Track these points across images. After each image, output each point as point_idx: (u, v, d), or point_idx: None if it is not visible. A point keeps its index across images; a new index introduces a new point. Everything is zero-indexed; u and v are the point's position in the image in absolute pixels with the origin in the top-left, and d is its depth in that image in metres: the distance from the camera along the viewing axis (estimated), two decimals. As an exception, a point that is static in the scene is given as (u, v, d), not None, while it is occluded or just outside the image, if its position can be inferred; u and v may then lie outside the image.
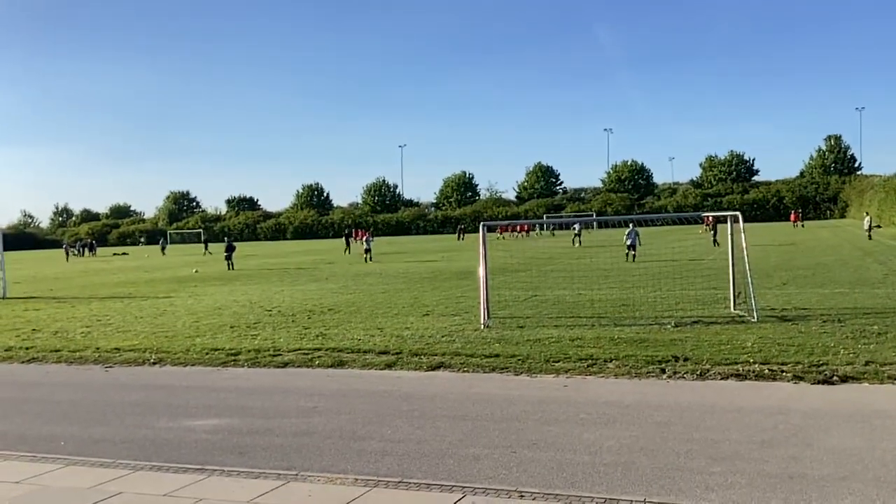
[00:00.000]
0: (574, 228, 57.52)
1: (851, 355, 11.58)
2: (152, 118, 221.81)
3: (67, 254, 77.07)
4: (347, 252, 55.26)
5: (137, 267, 51.71)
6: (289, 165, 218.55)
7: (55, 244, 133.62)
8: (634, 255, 34.02)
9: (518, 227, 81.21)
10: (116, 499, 7.04)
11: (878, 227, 55.53)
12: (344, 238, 60.36)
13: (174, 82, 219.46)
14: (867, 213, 53.54)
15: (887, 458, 7.22)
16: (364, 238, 47.85)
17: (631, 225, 36.49)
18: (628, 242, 34.69)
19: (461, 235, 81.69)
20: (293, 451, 8.37)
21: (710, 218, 43.40)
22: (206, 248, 73.06)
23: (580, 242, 51.85)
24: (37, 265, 62.39)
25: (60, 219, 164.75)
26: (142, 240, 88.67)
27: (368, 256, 44.88)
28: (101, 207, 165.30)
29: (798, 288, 20.92)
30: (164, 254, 75.54)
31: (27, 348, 16.12)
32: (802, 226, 75.43)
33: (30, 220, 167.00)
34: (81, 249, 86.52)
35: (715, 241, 41.03)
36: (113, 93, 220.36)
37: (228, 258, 42.94)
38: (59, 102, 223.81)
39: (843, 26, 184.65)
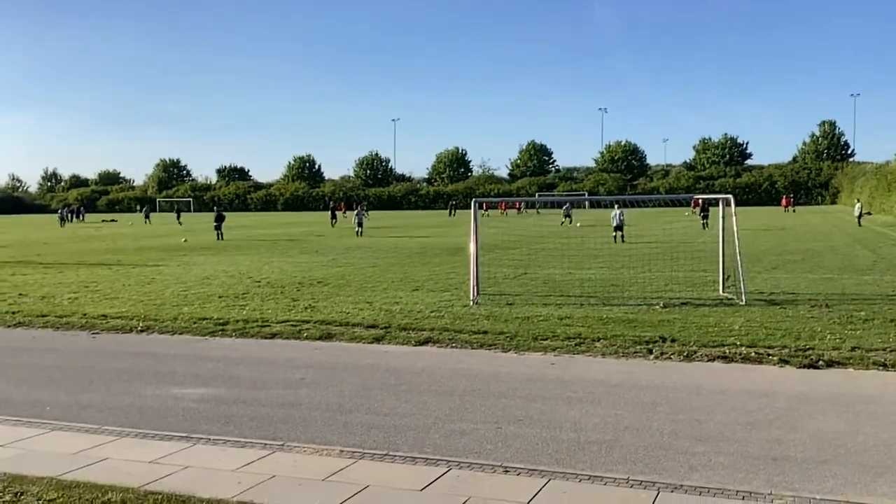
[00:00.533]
0: (564, 209, 57.49)
1: (838, 340, 11.65)
2: (144, 85, 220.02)
3: (63, 220, 75.97)
4: (334, 224, 55.18)
5: (126, 234, 51.46)
6: (281, 137, 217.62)
7: (43, 209, 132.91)
8: (623, 237, 34.04)
9: (516, 204, 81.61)
10: (102, 464, 7.04)
11: (869, 213, 55.77)
12: (330, 210, 60.24)
13: (166, 48, 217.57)
14: (858, 200, 53.74)
15: (869, 443, 7.28)
16: (356, 211, 46.75)
17: (616, 206, 36.52)
18: (615, 224, 34.69)
19: (452, 211, 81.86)
20: (280, 421, 8.38)
21: (699, 200, 43.38)
22: (178, 217, 72.76)
23: (571, 221, 51.85)
24: (25, 230, 62.06)
25: (49, 184, 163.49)
26: (144, 209, 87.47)
27: (360, 231, 44.12)
28: (91, 173, 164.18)
29: (787, 272, 21.01)
30: (147, 222, 74.97)
31: (13, 313, 16.05)
32: (794, 211, 75.70)
33: (18, 185, 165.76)
34: (69, 215, 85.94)
35: (705, 224, 41.12)
36: (104, 58, 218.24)
37: (218, 228, 42.70)
38: (50, 67, 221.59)
39: (841, 12, 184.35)
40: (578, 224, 49.97)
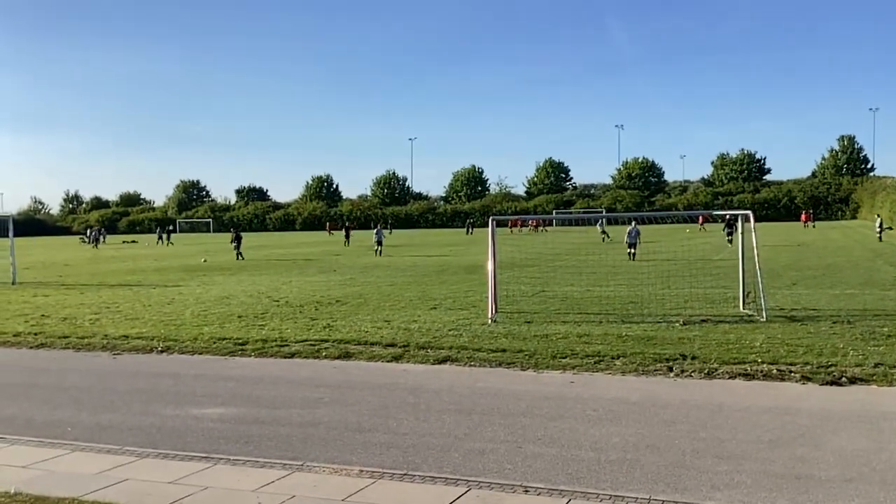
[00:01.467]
0: (599, 225, 57.69)
1: (860, 357, 11.52)
2: (163, 106, 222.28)
3: (95, 241, 75.75)
4: (347, 244, 55.25)
5: (146, 255, 51.89)
6: (299, 156, 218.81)
7: (65, 231, 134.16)
8: (635, 255, 33.65)
9: (531, 222, 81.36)
10: (123, 485, 7.07)
11: (890, 228, 55.18)
12: (344, 230, 60.56)
13: (184, 71, 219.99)
14: (878, 216, 53.25)
15: (894, 461, 7.18)
16: (375, 230, 46.21)
17: (633, 223, 36.23)
18: (628, 241, 34.31)
19: (470, 229, 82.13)
20: (299, 441, 8.38)
21: (704, 217, 42.86)
22: (164, 237, 73.42)
23: (607, 237, 51.53)
24: (47, 252, 62.70)
25: (70, 206, 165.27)
26: (158, 230, 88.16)
27: (379, 250, 43.46)
28: (112, 195, 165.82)
29: (807, 288, 20.82)
30: (161, 243, 75.04)
31: (36, 334, 16.20)
32: (813, 226, 75.09)
33: (40, 207, 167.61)
34: (97, 236, 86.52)
35: (730, 240, 40.74)
36: (124, 80, 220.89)
37: (237, 248, 42.94)
38: (70, 90, 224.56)
39: (859, 26, 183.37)
40: (610, 237, 49.86)
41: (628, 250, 34.18)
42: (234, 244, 43.41)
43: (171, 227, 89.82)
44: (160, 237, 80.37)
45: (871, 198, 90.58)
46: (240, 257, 42.13)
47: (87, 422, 9.46)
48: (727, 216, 42.52)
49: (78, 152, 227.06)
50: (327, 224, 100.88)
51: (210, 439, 8.55)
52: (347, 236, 58.32)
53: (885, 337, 13.10)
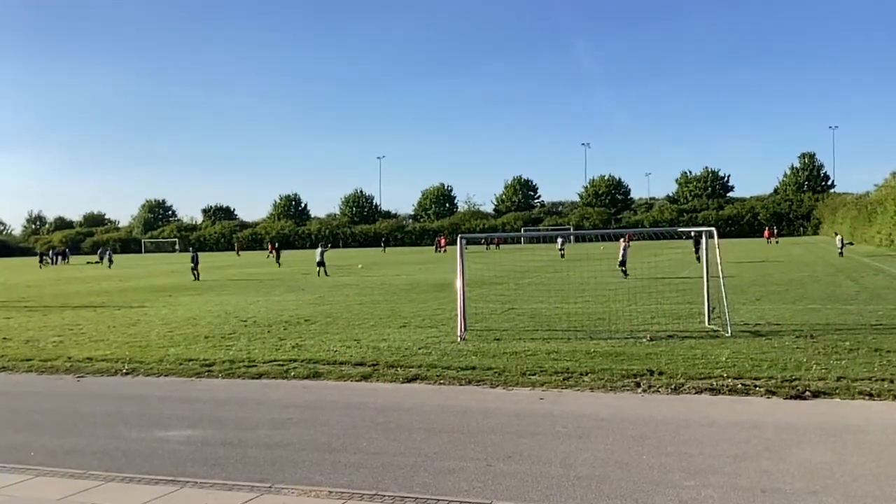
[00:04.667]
0: (557, 242, 58.19)
1: (823, 371, 11.72)
2: (128, 126, 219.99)
3: (43, 261, 75.66)
4: (278, 265, 54.02)
5: (110, 276, 51.17)
6: (266, 176, 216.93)
7: (27, 252, 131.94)
8: (626, 272, 32.68)
9: (495, 240, 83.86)
10: (86, 510, 6.94)
11: (850, 244, 56.31)
12: (274, 252, 59.52)
13: (149, 89, 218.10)
14: (836, 233, 54.38)
15: (857, 473, 7.30)
16: (318, 250, 43.48)
17: (622, 240, 34.78)
18: (620, 259, 33.09)
19: (438, 248, 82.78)
20: (267, 463, 8.31)
21: (627, 236, 42.49)
22: (102, 259, 72.78)
23: (563, 255, 52.32)
24: (8, 273, 61.54)
25: (33, 226, 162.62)
26: (99, 251, 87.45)
27: (323, 270, 41.55)
28: (76, 215, 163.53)
29: (771, 303, 21.15)
30: (102, 263, 73.71)
31: (-3, 357, 15.87)
32: (776, 242, 76.29)
33: (2, 228, 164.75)
34: (55, 258, 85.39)
35: (698, 257, 41.02)
36: (87, 99, 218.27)
37: (194, 269, 42.53)
38: (32, 109, 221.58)
39: (820, 45, 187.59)
40: (562, 257, 50.34)
41: (620, 268, 32.97)
42: (192, 265, 42.91)
43: (110, 249, 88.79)
44: (101, 257, 79.18)
45: (832, 214, 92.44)
46: (197, 277, 41.80)
47: (50, 445, 9.29)
48: (692, 233, 42.87)
49: (41, 172, 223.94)
50: (235, 244, 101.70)
51: (177, 462, 8.44)
52: (278, 258, 57.77)
53: (847, 351, 13.34)
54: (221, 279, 42.05)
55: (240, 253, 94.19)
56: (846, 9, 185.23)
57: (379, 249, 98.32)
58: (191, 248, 49.59)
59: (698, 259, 40.02)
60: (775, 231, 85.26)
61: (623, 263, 33.02)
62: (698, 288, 20.37)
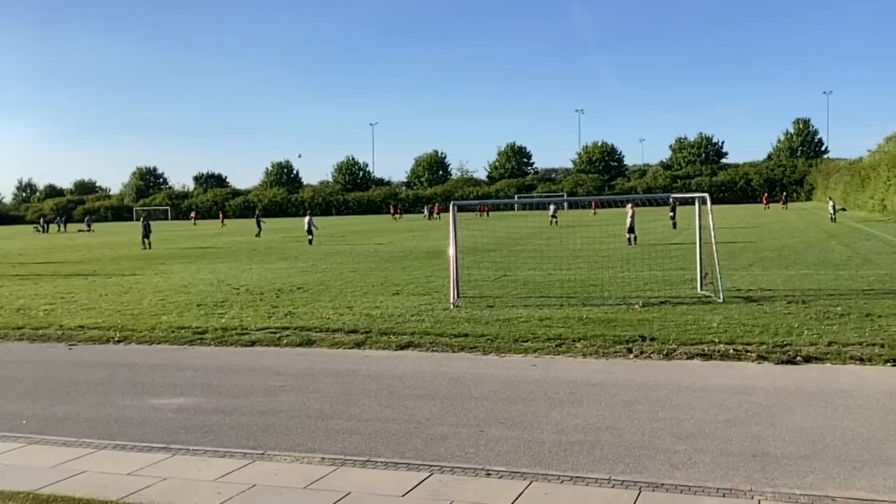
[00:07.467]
0: (550, 209, 58.17)
1: (815, 336, 11.76)
2: (120, 91, 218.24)
3: (57, 226, 75.12)
4: (258, 236, 52.83)
5: (102, 244, 50.97)
6: (259, 143, 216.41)
7: (19, 220, 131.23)
8: (635, 238, 32.19)
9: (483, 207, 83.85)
10: (79, 478, 6.94)
11: (843, 210, 56.40)
12: (255, 221, 58.51)
13: (142, 53, 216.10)
14: (830, 199, 54.42)
15: (848, 437, 7.34)
16: (306, 220, 42.70)
17: (629, 205, 34.04)
18: (629, 225, 32.47)
19: (430, 215, 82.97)
20: (260, 430, 8.31)
21: (595, 203, 42.54)
22: (90, 227, 72.32)
23: (556, 222, 52.40)
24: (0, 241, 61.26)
25: (24, 194, 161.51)
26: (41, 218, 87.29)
27: (309, 240, 41.19)
28: (67, 183, 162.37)
29: (763, 269, 21.19)
30: (91, 231, 73.78)
31: (-12, 326, 15.82)
32: (786, 207, 76.34)
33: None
34: (45, 226, 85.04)
35: (674, 224, 40.96)
36: (77, 66, 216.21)
37: (146, 237, 42.48)
38: (21, 76, 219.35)
39: (814, 10, 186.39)
40: (554, 225, 50.42)
41: (627, 235, 32.56)
42: (143, 233, 42.74)
43: (65, 216, 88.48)
44: (59, 225, 78.79)
45: (826, 179, 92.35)
46: (147, 247, 41.74)
47: (42, 414, 9.28)
48: (671, 199, 42.57)
49: (31, 140, 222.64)
50: (220, 214, 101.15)
51: (169, 430, 8.44)
52: (260, 227, 56.43)
53: (839, 316, 13.38)
54: (216, 245, 41.86)
55: (224, 222, 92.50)
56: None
57: (380, 217, 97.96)
58: (142, 218, 48.69)
59: (674, 226, 40.06)
60: (786, 197, 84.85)
61: (631, 230, 32.44)
62: (691, 254, 20.38)
